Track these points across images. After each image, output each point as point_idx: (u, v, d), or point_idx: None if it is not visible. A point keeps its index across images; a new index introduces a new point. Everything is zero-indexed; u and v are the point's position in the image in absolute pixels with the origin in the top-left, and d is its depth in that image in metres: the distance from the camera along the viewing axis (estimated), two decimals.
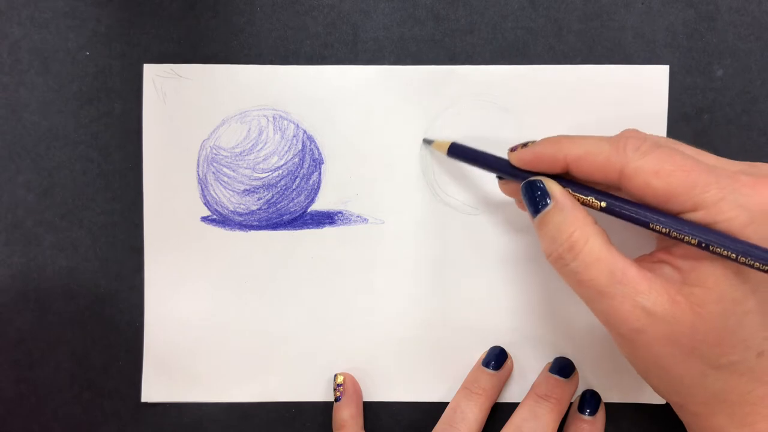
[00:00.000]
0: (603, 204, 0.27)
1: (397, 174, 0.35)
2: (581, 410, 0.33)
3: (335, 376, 0.35)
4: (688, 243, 0.25)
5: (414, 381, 0.35)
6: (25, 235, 0.35)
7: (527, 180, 0.28)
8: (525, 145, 0.29)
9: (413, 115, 0.35)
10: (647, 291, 0.25)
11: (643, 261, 0.28)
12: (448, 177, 0.35)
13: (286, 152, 0.35)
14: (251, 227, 0.35)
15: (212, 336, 0.35)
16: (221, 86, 0.35)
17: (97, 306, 0.35)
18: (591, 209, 0.27)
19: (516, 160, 0.29)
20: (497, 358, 0.34)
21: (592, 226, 0.26)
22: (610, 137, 0.27)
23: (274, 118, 0.35)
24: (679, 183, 0.25)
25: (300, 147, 0.35)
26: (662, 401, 0.34)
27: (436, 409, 0.34)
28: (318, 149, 0.35)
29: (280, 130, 0.35)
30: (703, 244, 0.24)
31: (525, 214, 0.34)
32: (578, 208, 0.27)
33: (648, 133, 0.27)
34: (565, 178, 0.28)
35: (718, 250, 0.24)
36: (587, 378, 0.35)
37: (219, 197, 0.35)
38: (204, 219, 0.35)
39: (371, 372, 0.35)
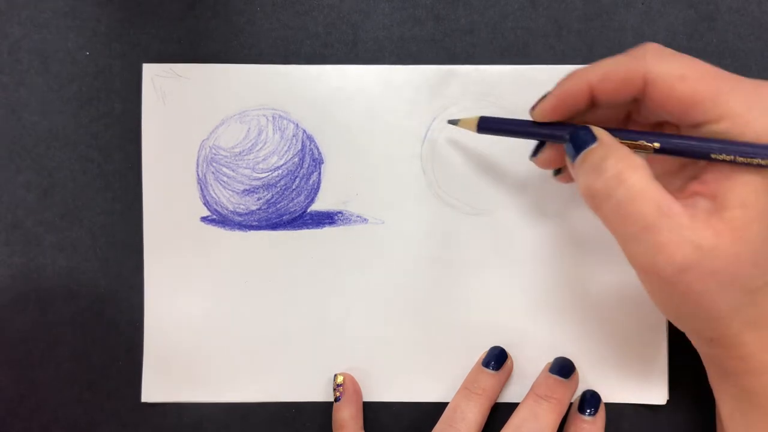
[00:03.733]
0: (656, 144, 0.26)
1: (397, 174, 0.35)
2: (581, 410, 0.33)
3: (335, 376, 0.35)
4: (759, 165, 0.24)
5: (414, 381, 0.35)
6: (25, 235, 0.35)
7: (574, 128, 0.27)
8: (543, 97, 0.28)
9: (413, 115, 0.35)
10: (692, 225, 0.24)
11: (677, 197, 0.26)
12: (448, 177, 0.35)
13: (286, 152, 0.35)
14: (251, 227, 0.35)
15: (212, 336, 0.35)
16: (221, 86, 0.35)
17: (97, 306, 0.35)
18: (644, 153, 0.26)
19: (539, 113, 0.28)
20: (497, 358, 0.34)
21: (638, 159, 0.25)
22: (626, 51, 0.27)
23: (273, 117, 0.35)
24: (705, 88, 0.24)
25: (300, 147, 0.35)
26: (662, 401, 0.34)
27: (436, 409, 0.34)
28: (318, 149, 0.35)
29: (280, 129, 0.35)
30: None
31: (525, 215, 0.34)
32: (623, 146, 0.26)
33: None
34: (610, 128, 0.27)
35: None
36: (587, 378, 0.35)
37: (218, 197, 0.35)
38: (204, 219, 0.35)
39: (371, 372, 0.35)
